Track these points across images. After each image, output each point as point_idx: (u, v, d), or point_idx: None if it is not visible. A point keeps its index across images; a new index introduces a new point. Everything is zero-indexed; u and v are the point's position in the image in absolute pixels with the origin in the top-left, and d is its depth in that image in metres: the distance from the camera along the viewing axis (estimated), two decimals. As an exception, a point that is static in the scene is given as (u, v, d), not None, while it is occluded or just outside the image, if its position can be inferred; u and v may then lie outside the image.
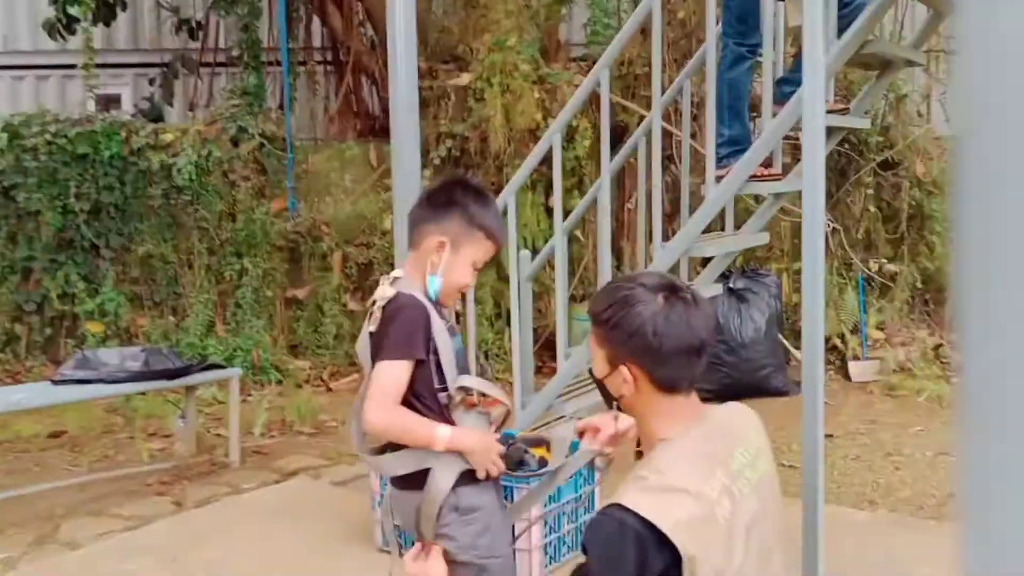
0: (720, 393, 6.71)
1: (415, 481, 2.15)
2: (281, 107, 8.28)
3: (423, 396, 2.14)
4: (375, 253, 7.75)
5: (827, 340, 7.73)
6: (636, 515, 1.64)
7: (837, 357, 7.64)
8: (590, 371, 1.96)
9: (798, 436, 5.99)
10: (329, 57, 9.06)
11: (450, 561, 2.17)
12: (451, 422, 2.15)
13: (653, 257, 3.69)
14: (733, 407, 1.93)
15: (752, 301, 6.91)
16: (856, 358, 7.50)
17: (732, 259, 4.85)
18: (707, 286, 4.15)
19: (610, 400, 1.88)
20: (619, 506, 1.67)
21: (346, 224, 7.84)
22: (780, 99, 3.59)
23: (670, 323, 1.76)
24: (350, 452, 5.81)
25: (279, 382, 7.40)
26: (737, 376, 6.81)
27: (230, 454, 5.48)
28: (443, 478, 2.13)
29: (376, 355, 2.12)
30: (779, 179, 3.83)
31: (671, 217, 6.19)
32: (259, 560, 3.97)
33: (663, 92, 3.82)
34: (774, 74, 3.80)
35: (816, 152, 2.54)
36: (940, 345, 7.72)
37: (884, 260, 7.98)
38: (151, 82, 9.11)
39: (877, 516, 4.54)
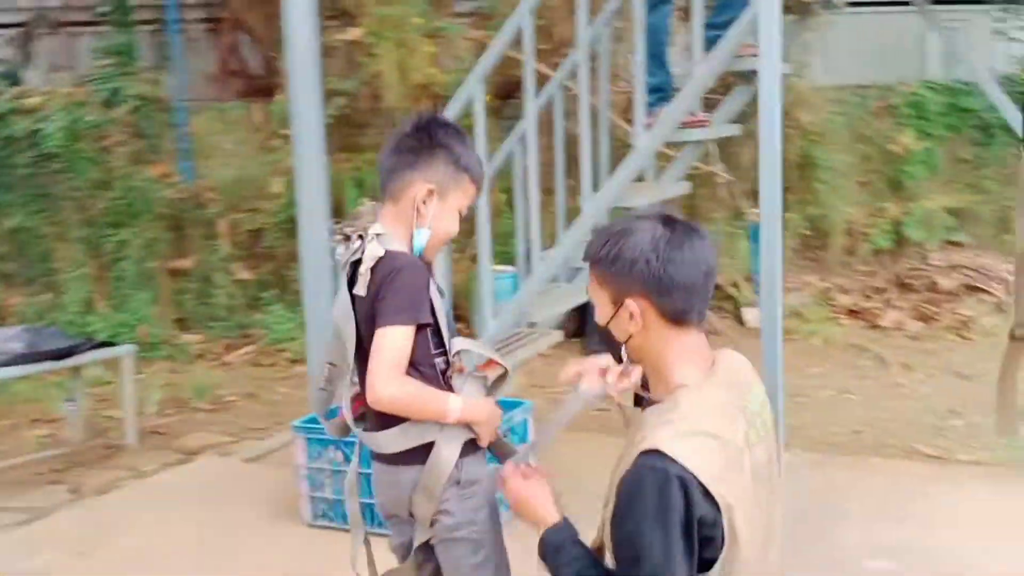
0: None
1: (411, 456, 1.99)
2: (156, 67, 7.79)
3: (420, 364, 1.97)
4: (265, 219, 7.43)
5: (720, 288, 7.91)
6: (677, 462, 1.57)
7: (731, 304, 7.80)
8: (597, 329, 1.83)
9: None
10: (207, 15, 8.57)
11: (444, 539, 2.03)
12: (450, 390, 2.01)
13: (581, 208, 3.61)
14: (728, 352, 1.86)
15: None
16: (749, 305, 7.67)
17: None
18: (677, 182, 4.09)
19: (617, 350, 1.78)
20: (658, 453, 1.58)
21: (232, 189, 7.48)
22: (706, 45, 3.55)
23: (672, 248, 1.67)
24: (255, 427, 5.59)
25: (169, 358, 7.03)
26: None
27: (126, 436, 5.17)
28: (449, 451, 1.98)
29: (374, 321, 1.93)
30: (707, 126, 3.81)
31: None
32: (181, 546, 3.75)
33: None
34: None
35: (773, 102, 2.49)
36: (829, 289, 7.98)
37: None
38: (8, 42, 8.42)
39: (794, 456, 4.63)
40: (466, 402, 1.98)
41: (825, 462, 4.50)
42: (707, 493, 1.57)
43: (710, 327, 7.39)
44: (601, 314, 1.76)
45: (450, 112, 3.96)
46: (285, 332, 7.03)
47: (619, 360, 1.80)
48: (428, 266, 2.06)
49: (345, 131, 7.22)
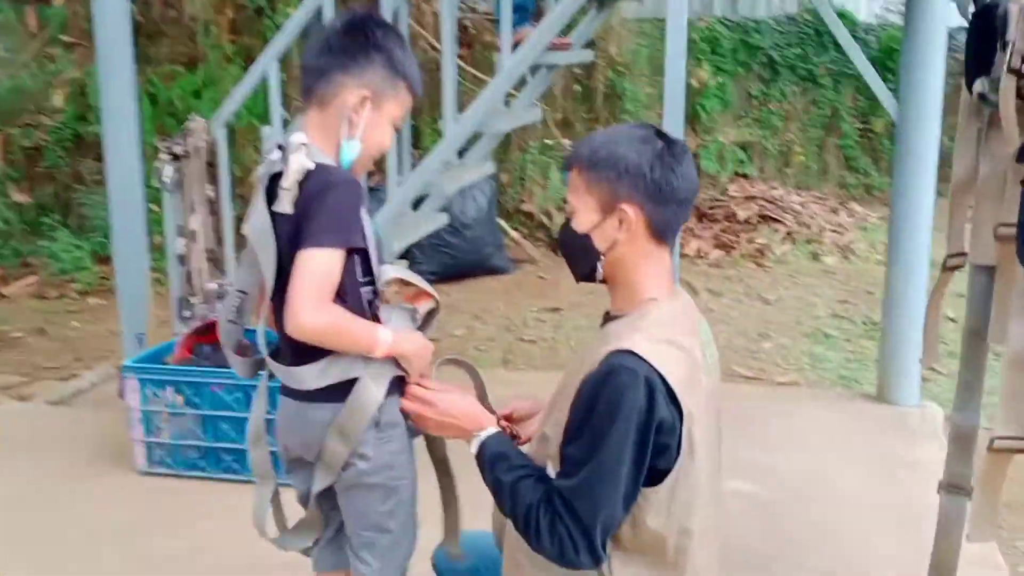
0: (445, 273, 6.70)
1: (329, 393, 1.81)
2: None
3: (346, 293, 1.76)
4: (44, 135, 6.67)
5: (534, 218, 7.98)
6: (647, 363, 1.53)
7: (545, 234, 7.88)
8: (563, 240, 1.73)
9: (527, 311, 6.20)
10: None
11: (353, 484, 1.87)
12: (376, 321, 1.82)
13: (443, 132, 3.44)
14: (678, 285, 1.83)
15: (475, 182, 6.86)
16: (563, 233, 7.77)
17: (502, 137, 4.71)
18: (481, 164, 3.99)
19: (586, 266, 1.69)
20: (629, 352, 1.54)
21: (3, 102, 6.65)
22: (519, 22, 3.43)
23: (674, 159, 1.63)
24: (51, 365, 5.08)
25: (-65, 290, 6.25)
26: (460, 256, 6.80)
27: (-103, 380, 4.54)
28: (374, 389, 1.81)
29: (299, 241, 1.71)
30: (570, 49, 3.72)
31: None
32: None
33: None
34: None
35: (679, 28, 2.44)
36: (633, 218, 8.22)
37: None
38: None
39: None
40: (396, 335, 1.82)
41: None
42: (672, 398, 1.54)
43: (527, 255, 7.44)
44: (584, 220, 1.67)
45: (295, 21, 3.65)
46: (73, 261, 6.42)
47: (584, 279, 1.72)
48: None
49: (136, 41, 6.56)
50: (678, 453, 1.57)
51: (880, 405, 3.98)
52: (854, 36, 10.02)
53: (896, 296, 3.85)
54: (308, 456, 1.89)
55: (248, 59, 6.92)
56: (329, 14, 3.46)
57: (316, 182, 1.73)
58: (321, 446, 1.84)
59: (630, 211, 1.62)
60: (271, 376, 1.94)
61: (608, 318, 1.73)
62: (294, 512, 2.01)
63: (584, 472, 1.53)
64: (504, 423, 1.87)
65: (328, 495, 1.92)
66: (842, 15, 10.04)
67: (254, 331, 1.90)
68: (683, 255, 7.63)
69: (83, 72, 6.56)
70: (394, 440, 1.87)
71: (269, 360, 1.86)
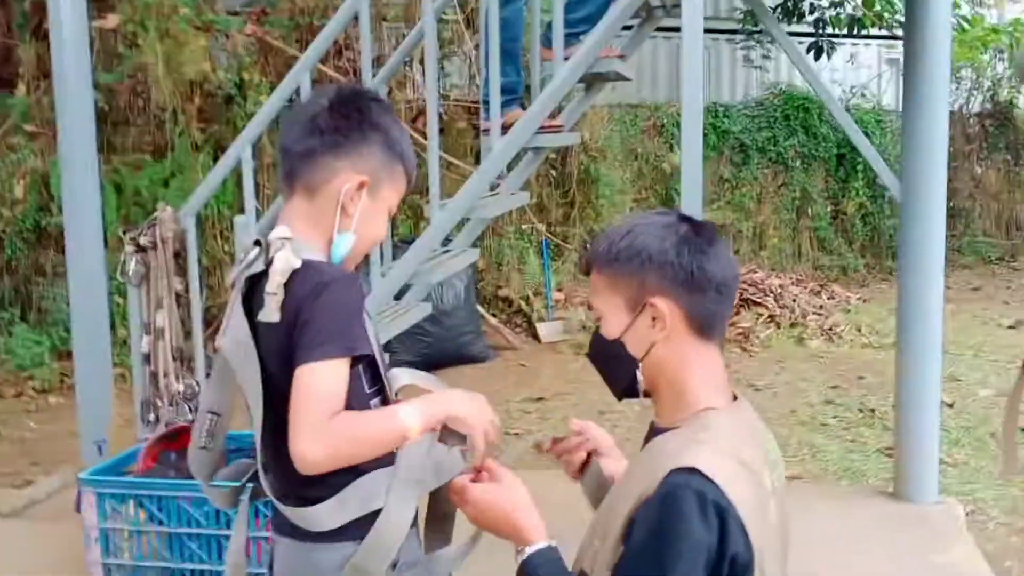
0: (422, 362, 6.44)
1: (345, 528, 1.51)
2: None
3: (354, 407, 1.48)
4: (3, 227, 6.40)
5: (512, 303, 7.78)
6: (716, 486, 1.29)
7: (523, 319, 7.68)
8: (593, 351, 1.51)
9: (510, 401, 5.93)
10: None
11: None
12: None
13: (430, 218, 3.24)
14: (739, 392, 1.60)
15: (453, 268, 6.67)
16: (542, 320, 7.58)
17: (489, 222, 4.53)
18: (466, 250, 3.78)
19: (624, 377, 1.46)
20: (694, 471, 1.30)
21: (-41, 194, 6.39)
22: (569, 41, 3.30)
23: (703, 242, 1.43)
24: (5, 471, 4.72)
25: None
26: (438, 345, 6.56)
27: None
28: (400, 515, 1.49)
29: (289, 355, 1.45)
30: (561, 131, 3.57)
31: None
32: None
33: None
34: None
35: (695, 107, 2.28)
36: (613, 303, 8.05)
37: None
38: None
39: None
40: (423, 402, 1.53)
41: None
42: (743, 529, 1.30)
43: (506, 342, 7.21)
44: (613, 324, 1.45)
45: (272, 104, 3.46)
46: (31, 357, 6.09)
47: (625, 394, 1.49)
48: None
49: (101, 130, 6.37)
50: None
51: (898, 503, 3.74)
52: (820, 119, 10.20)
53: (908, 385, 3.65)
54: None
55: (218, 147, 6.75)
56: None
57: (307, 283, 1.46)
58: None
59: (662, 305, 1.41)
60: (254, 496, 1.66)
61: (655, 430, 1.49)
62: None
63: None
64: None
65: None
66: (809, 99, 10.16)
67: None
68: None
69: (45, 162, 6.34)
70: None
71: (277, 503, 1.54)
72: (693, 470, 1.30)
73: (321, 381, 1.43)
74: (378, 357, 1.58)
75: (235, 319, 1.53)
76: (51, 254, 6.44)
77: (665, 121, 9.46)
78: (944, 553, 3.28)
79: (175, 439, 3.30)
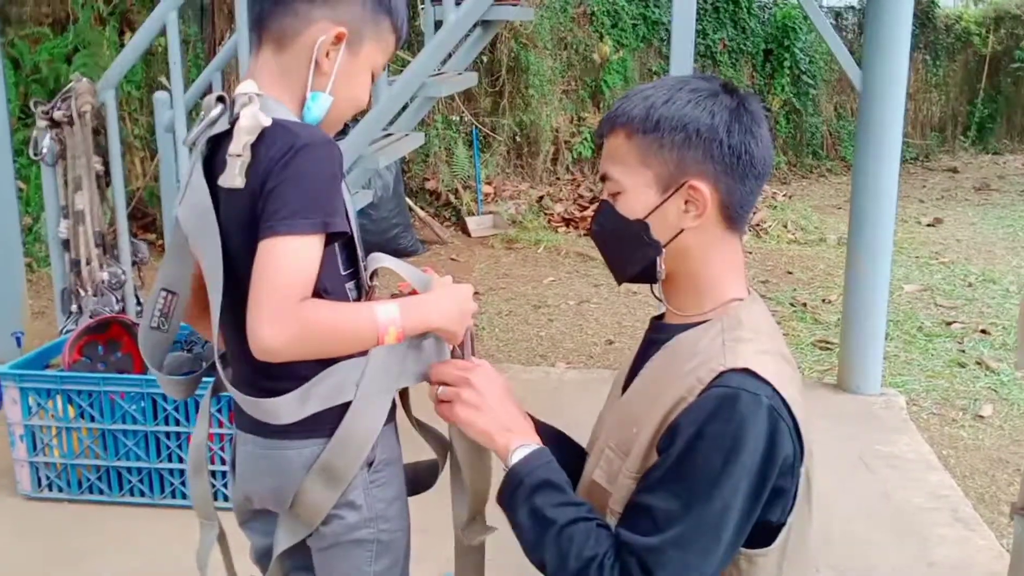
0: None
1: (309, 425, 1.35)
2: None
3: (325, 291, 1.32)
4: None
5: (440, 196, 7.57)
6: (771, 386, 1.18)
7: (453, 213, 7.50)
8: (602, 229, 1.34)
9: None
10: None
11: (336, 543, 1.41)
12: None
13: (374, 98, 3.02)
14: None
15: (380, 157, 6.41)
16: (471, 213, 7.41)
17: (433, 103, 4.28)
18: (410, 134, 3.57)
19: (641, 262, 1.30)
20: (747, 372, 1.18)
21: None
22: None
23: (744, 124, 1.26)
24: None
25: None
26: (367, 238, 6.18)
27: None
28: (372, 413, 1.35)
29: (255, 226, 1.26)
30: (517, 4, 3.35)
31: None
32: None
33: None
34: None
35: None
36: (541, 197, 7.92)
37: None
38: None
39: (561, 373, 4.45)
40: (407, 303, 1.35)
41: (591, 378, 4.34)
42: (797, 430, 1.20)
43: (436, 236, 7.04)
44: (636, 202, 1.28)
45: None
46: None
47: (633, 279, 1.34)
48: None
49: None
50: (793, 501, 1.22)
51: (843, 394, 3.78)
52: (749, 13, 10.07)
53: (858, 282, 3.64)
54: (276, 508, 1.45)
55: (125, 21, 6.26)
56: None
57: (277, 144, 1.26)
58: (296, 494, 1.41)
59: (703, 187, 1.25)
60: (216, 389, 1.49)
61: (666, 325, 1.36)
62: (245, 566, 1.58)
63: (675, 530, 1.15)
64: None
65: (295, 552, 1.46)
66: (742, -8, 10.00)
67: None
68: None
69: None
70: (390, 483, 1.45)
71: (232, 390, 1.38)
72: (746, 371, 1.18)
73: (289, 258, 1.23)
74: (355, 234, 1.39)
75: (194, 185, 1.32)
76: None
77: (595, 8, 9.18)
78: (891, 443, 3.33)
79: (103, 331, 3.08)
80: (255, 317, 1.23)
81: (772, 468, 1.17)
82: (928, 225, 7.92)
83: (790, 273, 6.30)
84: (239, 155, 1.26)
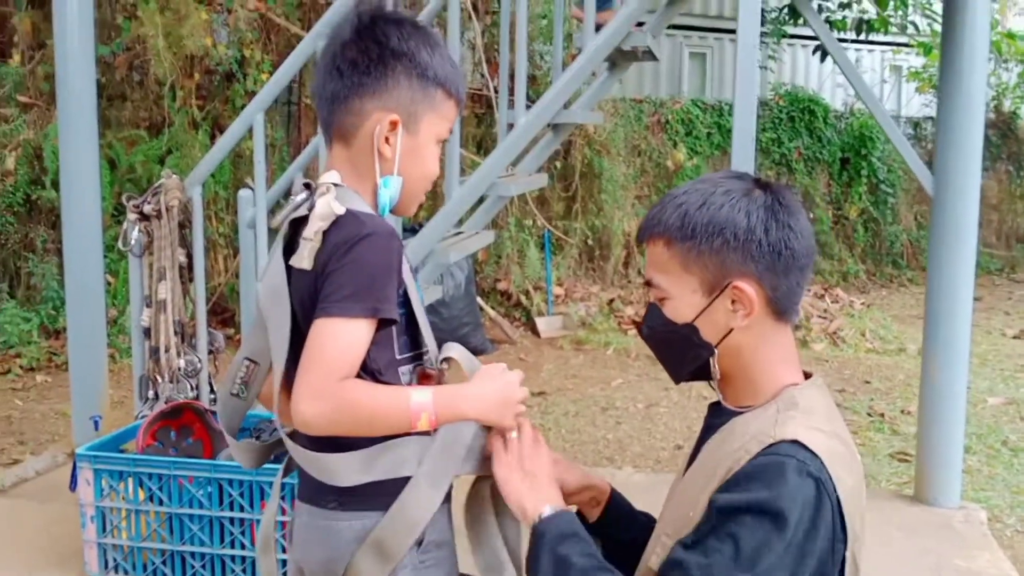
0: (420, 355, 6.30)
1: (365, 498, 1.37)
2: None
3: (379, 372, 1.37)
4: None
5: (511, 297, 7.65)
6: (820, 460, 1.17)
7: (523, 314, 7.55)
8: (653, 333, 1.35)
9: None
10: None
11: None
12: None
13: (446, 196, 3.11)
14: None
15: (453, 257, 6.52)
16: (541, 314, 7.46)
17: (504, 205, 4.39)
18: (481, 232, 3.65)
19: (694, 363, 1.32)
20: (796, 443, 1.18)
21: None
22: (601, 5, 3.15)
23: (780, 220, 1.27)
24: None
25: None
26: (438, 335, 6.33)
27: None
28: (430, 495, 1.37)
29: (317, 307, 1.32)
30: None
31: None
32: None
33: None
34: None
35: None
36: (612, 300, 7.94)
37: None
38: None
39: (626, 476, 4.37)
40: (446, 390, 1.38)
41: (658, 481, 4.26)
42: (839, 513, 1.18)
43: (505, 336, 7.08)
44: (683, 307, 1.30)
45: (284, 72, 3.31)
46: (19, 334, 5.91)
47: (689, 379, 1.36)
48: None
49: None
50: None
51: (919, 506, 3.63)
52: (825, 122, 10.12)
53: (935, 390, 3.53)
54: None
55: (215, 125, 6.59)
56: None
57: (344, 232, 1.33)
58: (347, 568, 1.42)
59: (748, 288, 1.27)
60: (287, 469, 1.53)
61: (723, 410, 1.35)
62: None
63: None
64: None
65: None
66: (815, 101, 10.08)
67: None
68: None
69: (38, 134, 6.16)
70: (438, 565, 1.44)
71: (288, 442, 1.42)
72: (795, 442, 1.18)
73: (337, 338, 1.30)
74: (421, 321, 1.44)
75: (273, 262, 1.42)
76: (42, 230, 6.28)
77: (669, 117, 9.35)
78: (971, 559, 3.17)
79: (176, 416, 3.15)
80: (298, 390, 1.31)
81: (814, 541, 1.14)
82: (1014, 337, 7.67)
83: (868, 383, 6.14)
84: (310, 240, 1.35)
